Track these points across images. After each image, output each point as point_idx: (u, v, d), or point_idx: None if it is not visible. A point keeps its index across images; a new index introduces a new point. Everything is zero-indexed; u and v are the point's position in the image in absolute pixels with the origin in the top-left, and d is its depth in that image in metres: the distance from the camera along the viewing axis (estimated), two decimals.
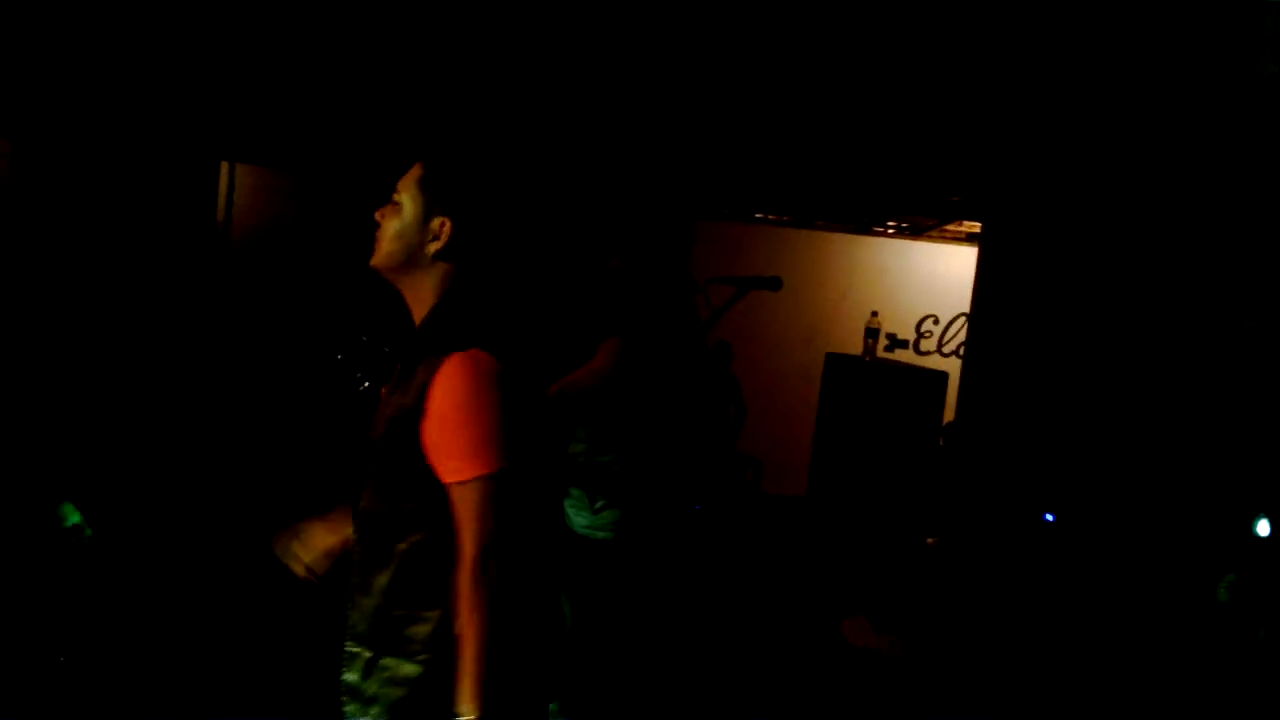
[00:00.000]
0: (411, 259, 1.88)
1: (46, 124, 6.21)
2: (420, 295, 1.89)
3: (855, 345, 7.25)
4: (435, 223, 1.86)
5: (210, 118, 6.28)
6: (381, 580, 1.83)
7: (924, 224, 8.34)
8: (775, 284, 3.49)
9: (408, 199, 1.88)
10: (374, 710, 1.82)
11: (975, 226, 7.62)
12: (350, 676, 1.86)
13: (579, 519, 3.07)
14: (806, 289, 8.22)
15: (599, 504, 3.03)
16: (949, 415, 6.29)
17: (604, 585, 3.05)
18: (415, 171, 1.90)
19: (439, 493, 1.77)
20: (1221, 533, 4.42)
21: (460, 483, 1.75)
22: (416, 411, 1.76)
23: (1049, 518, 5.08)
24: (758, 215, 8.43)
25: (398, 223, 1.88)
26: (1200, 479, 4.68)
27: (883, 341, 7.00)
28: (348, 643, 1.89)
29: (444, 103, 5.88)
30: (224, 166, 6.84)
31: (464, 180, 1.89)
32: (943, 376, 6.22)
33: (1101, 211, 5.58)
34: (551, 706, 2.01)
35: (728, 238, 8.05)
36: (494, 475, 1.74)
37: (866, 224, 8.54)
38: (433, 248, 1.86)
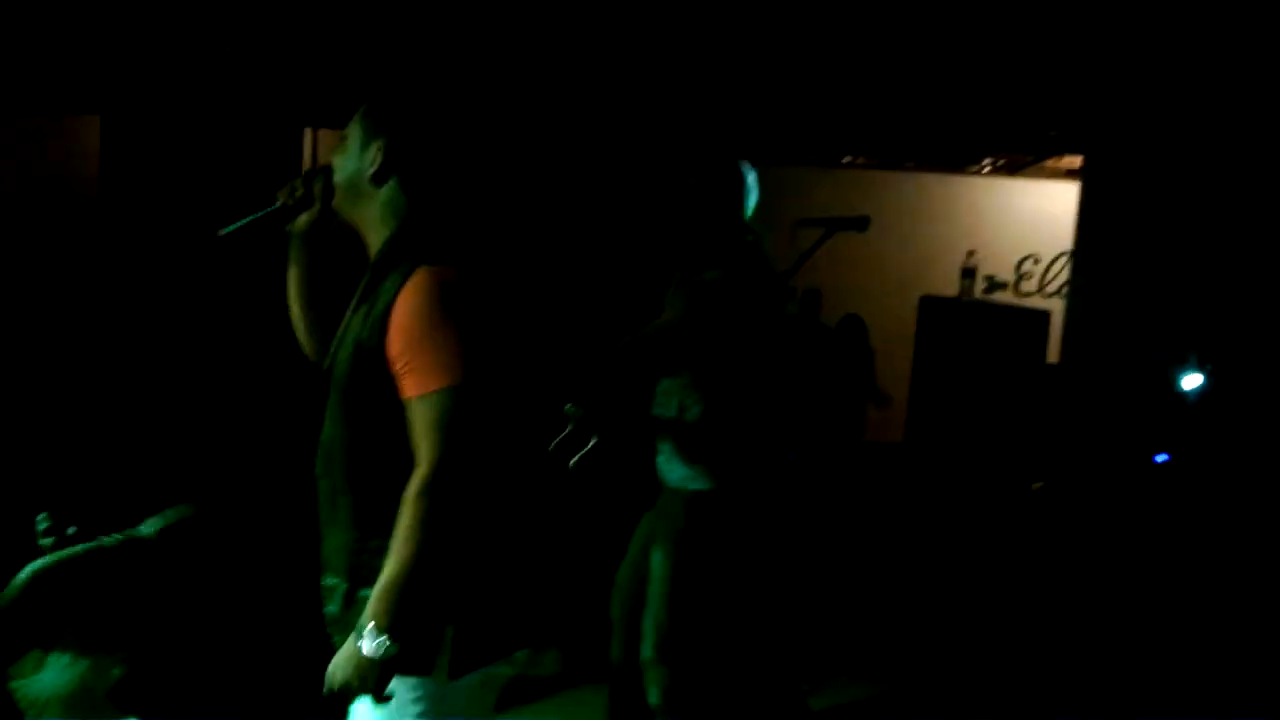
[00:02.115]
0: (356, 188, 1.92)
1: (134, 98, 6.32)
2: (371, 224, 1.92)
3: (950, 289, 7.05)
4: (372, 147, 1.90)
5: (293, 86, 6.32)
6: (349, 512, 1.83)
7: (1021, 160, 8.06)
8: (863, 224, 3.40)
9: (351, 132, 1.95)
10: None
11: (1076, 161, 7.33)
12: (332, 609, 1.87)
13: (673, 472, 3.05)
14: (898, 233, 7.99)
15: (692, 456, 3.01)
16: (1052, 357, 6.08)
17: (701, 536, 3.02)
18: (361, 108, 1.97)
19: (403, 414, 1.76)
20: None
21: (420, 396, 1.73)
22: (381, 331, 1.76)
23: (1161, 459, 4.87)
24: (845, 160, 8.23)
25: (341, 155, 1.95)
26: None
27: (980, 284, 6.79)
28: (325, 575, 1.89)
29: (521, 61, 5.82)
30: (307, 133, 6.89)
31: (397, 104, 1.93)
32: (1044, 316, 6.01)
33: (1211, 140, 5.30)
34: (519, 655, 1.98)
35: (813, 183, 7.88)
36: (454, 388, 1.72)
37: (959, 163, 8.27)
38: (371, 171, 1.89)
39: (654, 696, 3.07)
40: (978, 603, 4.83)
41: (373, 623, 1.71)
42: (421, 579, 1.73)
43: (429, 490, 1.71)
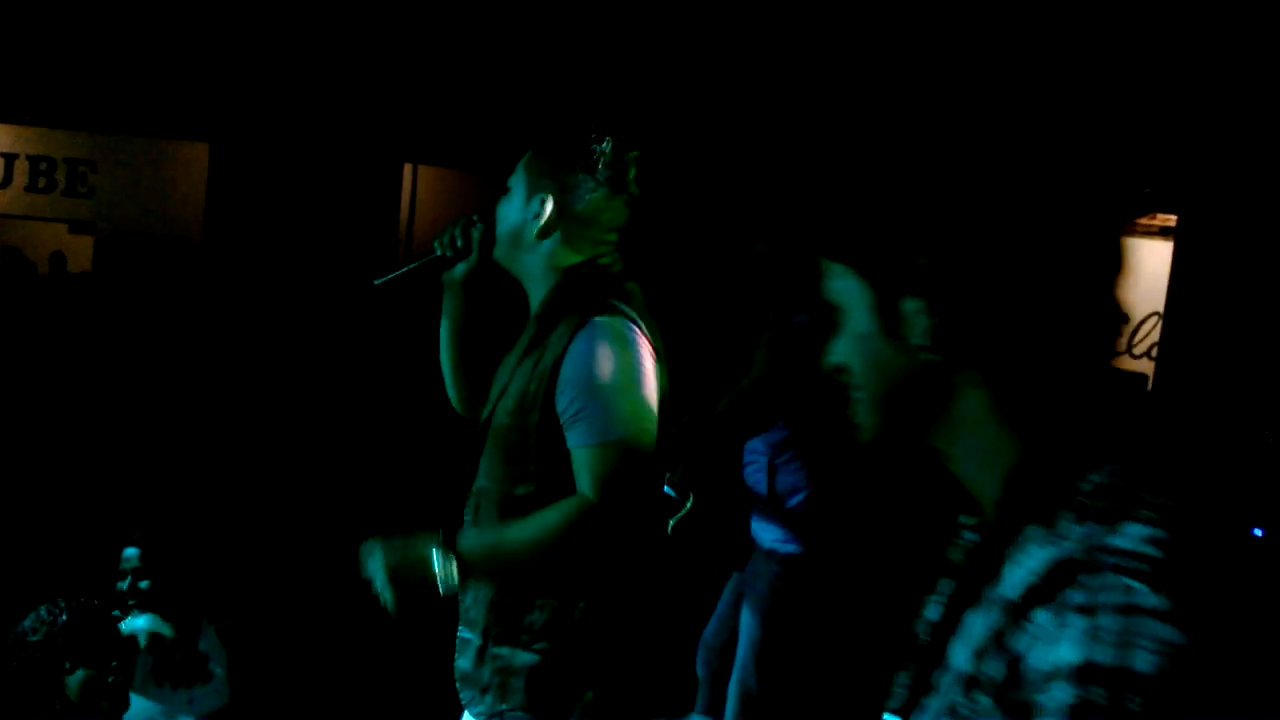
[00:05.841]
0: (518, 240, 1.85)
1: (243, 130, 6.52)
2: (533, 276, 1.86)
3: None
4: (536, 200, 1.82)
5: (393, 122, 6.47)
6: None
7: None
8: None
9: (515, 182, 1.87)
10: (489, 699, 1.78)
11: (1170, 220, 7.22)
12: (463, 663, 1.83)
13: (766, 534, 2.96)
14: None
15: (783, 518, 2.92)
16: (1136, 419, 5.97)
17: (793, 600, 2.93)
18: (524, 158, 1.89)
19: (562, 466, 1.71)
20: None
21: (589, 446, 1.69)
22: (550, 382, 1.72)
23: (1257, 533, 4.75)
24: None
25: (505, 205, 1.87)
26: None
27: None
28: (460, 627, 1.84)
29: (633, 93, 5.86)
30: (407, 168, 7.04)
31: (562, 158, 1.84)
32: (1142, 379, 5.92)
33: None
34: None
35: None
36: (622, 441, 1.68)
37: None
38: (534, 227, 1.82)
39: None
40: None
41: (456, 552, 1.67)
42: (512, 570, 1.71)
43: (579, 514, 1.67)
